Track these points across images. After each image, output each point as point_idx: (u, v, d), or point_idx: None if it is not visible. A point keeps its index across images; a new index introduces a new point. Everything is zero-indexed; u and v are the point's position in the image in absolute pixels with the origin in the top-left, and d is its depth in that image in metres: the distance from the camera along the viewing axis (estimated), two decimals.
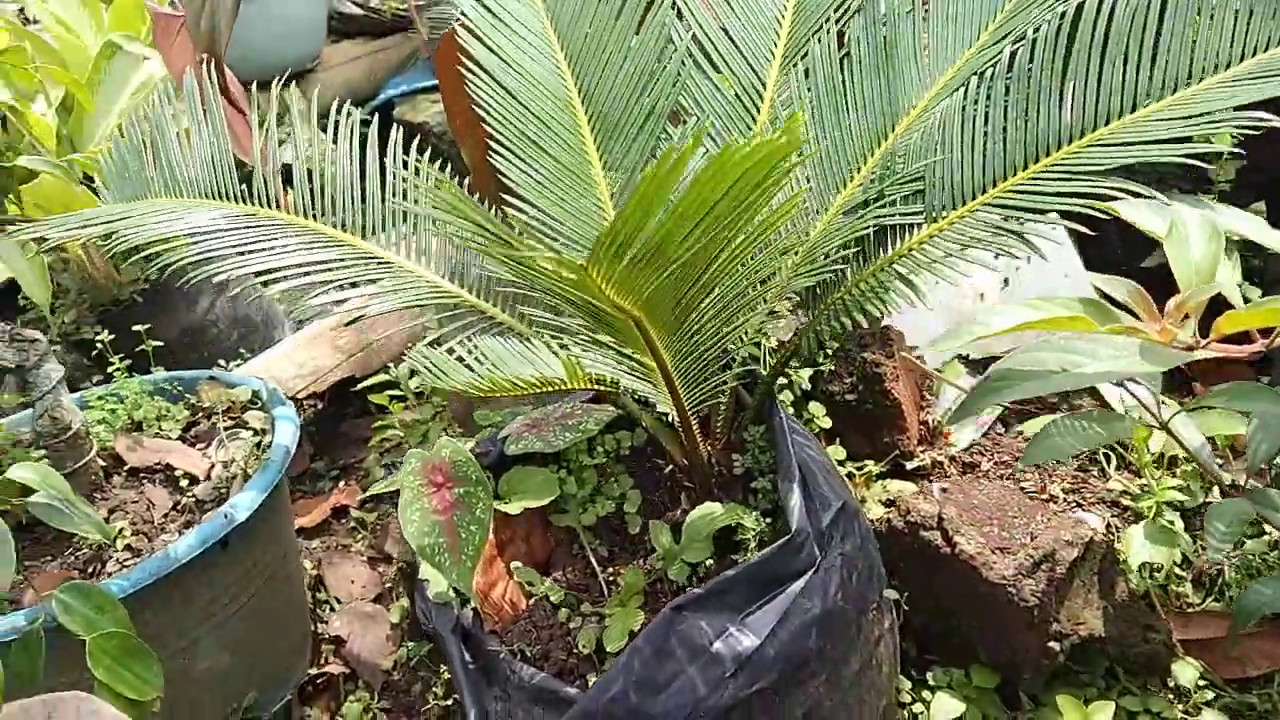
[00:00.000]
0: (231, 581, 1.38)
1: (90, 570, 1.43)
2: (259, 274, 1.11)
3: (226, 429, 1.63)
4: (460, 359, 0.95)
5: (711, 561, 1.01)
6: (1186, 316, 0.58)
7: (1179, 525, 1.24)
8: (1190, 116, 0.77)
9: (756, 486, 1.05)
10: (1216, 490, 1.08)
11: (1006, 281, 1.63)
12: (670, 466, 1.11)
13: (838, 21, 1.02)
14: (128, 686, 1.12)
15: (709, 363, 0.95)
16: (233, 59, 2.31)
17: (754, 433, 1.08)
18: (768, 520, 1.01)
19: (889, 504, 1.39)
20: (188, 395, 1.68)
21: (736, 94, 1.06)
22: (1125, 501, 1.32)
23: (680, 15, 1.07)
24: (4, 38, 1.95)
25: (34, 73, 1.92)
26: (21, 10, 2.91)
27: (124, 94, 2.25)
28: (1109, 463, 1.41)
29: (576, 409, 1.14)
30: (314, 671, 1.65)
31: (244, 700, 1.47)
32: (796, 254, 0.98)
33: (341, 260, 1.09)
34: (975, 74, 0.91)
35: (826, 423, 1.45)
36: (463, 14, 1.07)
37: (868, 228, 0.90)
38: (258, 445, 1.56)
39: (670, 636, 0.90)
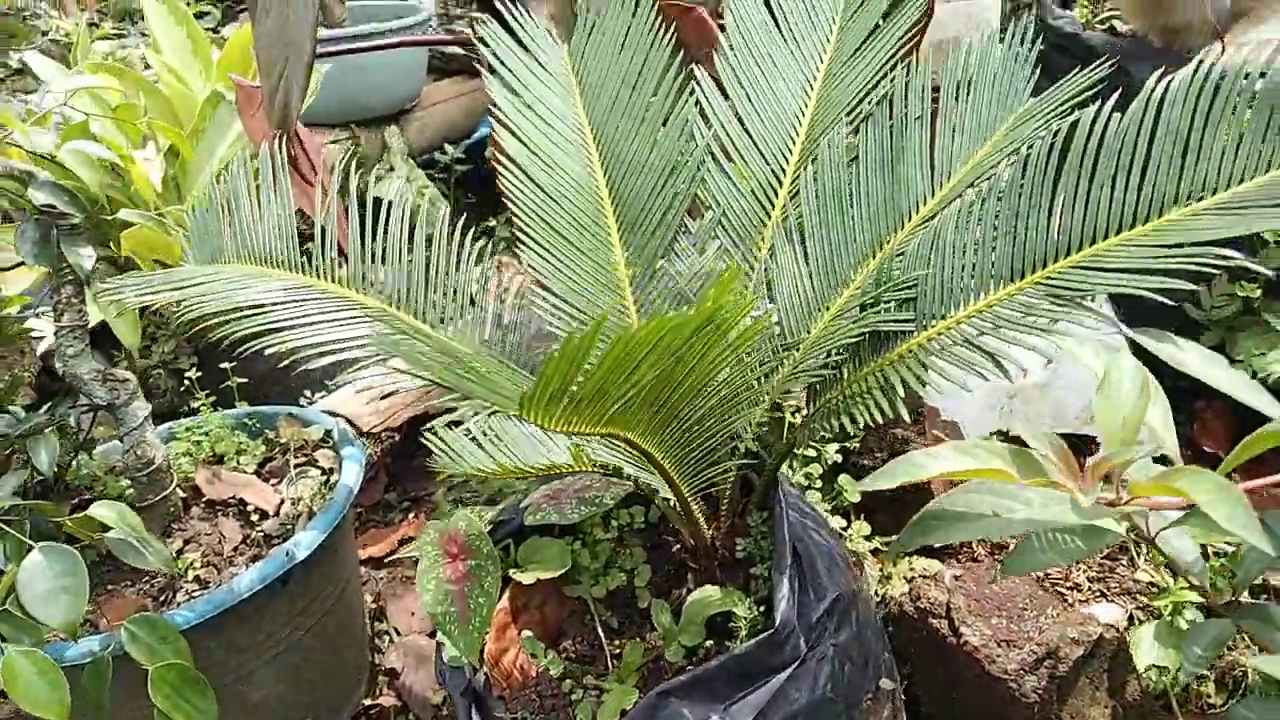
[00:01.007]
0: (291, 615, 1.47)
1: (162, 598, 1.55)
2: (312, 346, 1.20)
3: (297, 466, 1.74)
4: (475, 439, 1.01)
5: (710, 643, 1.05)
6: (1107, 477, 0.59)
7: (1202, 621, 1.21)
8: (1166, 246, 0.79)
9: (756, 573, 1.09)
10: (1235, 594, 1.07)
11: (1049, 361, 1.62)
12: (679, 544, 1.15)
13: (850, 125, 1.05)
14: (184, 716, 1.22)
15: (707, 454, 1.00)
16: (336, 100, 2.46)
17: (757, 518, 1.12)
18: (762, 609, 1.05)
19: (912, 581, 1.40)
20: (266, 430, 1.79)
21: (753, 190, 1.10)
22: (1151, 594, 1.31)
23: (704, 114, 1.12)
24: (116, 95, 2.12)
25: (142, 127, 2.09)
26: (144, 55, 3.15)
27: (224, 143, 2.41)
28: (1139, 550, 1.39)
29: (594, 482, 1.19)
30: (368, 702, 1.75)
31: None
32: (799, 350, 1.01)
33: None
34: (971, 185, 0.93)
35: (855, 496, 1.47)
36: (494, 105, 1.14)
37: (863, 332, 0.93)
38: (325, 483, 1.67)
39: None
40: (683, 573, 1.15)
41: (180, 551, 1.72)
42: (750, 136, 1.12)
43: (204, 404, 1.72)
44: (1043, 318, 0.83)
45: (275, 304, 1.21)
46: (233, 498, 1.79)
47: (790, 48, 1.14)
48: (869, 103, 1.06)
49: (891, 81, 1.03)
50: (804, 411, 1.01)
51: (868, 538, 1.49)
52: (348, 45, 2.68)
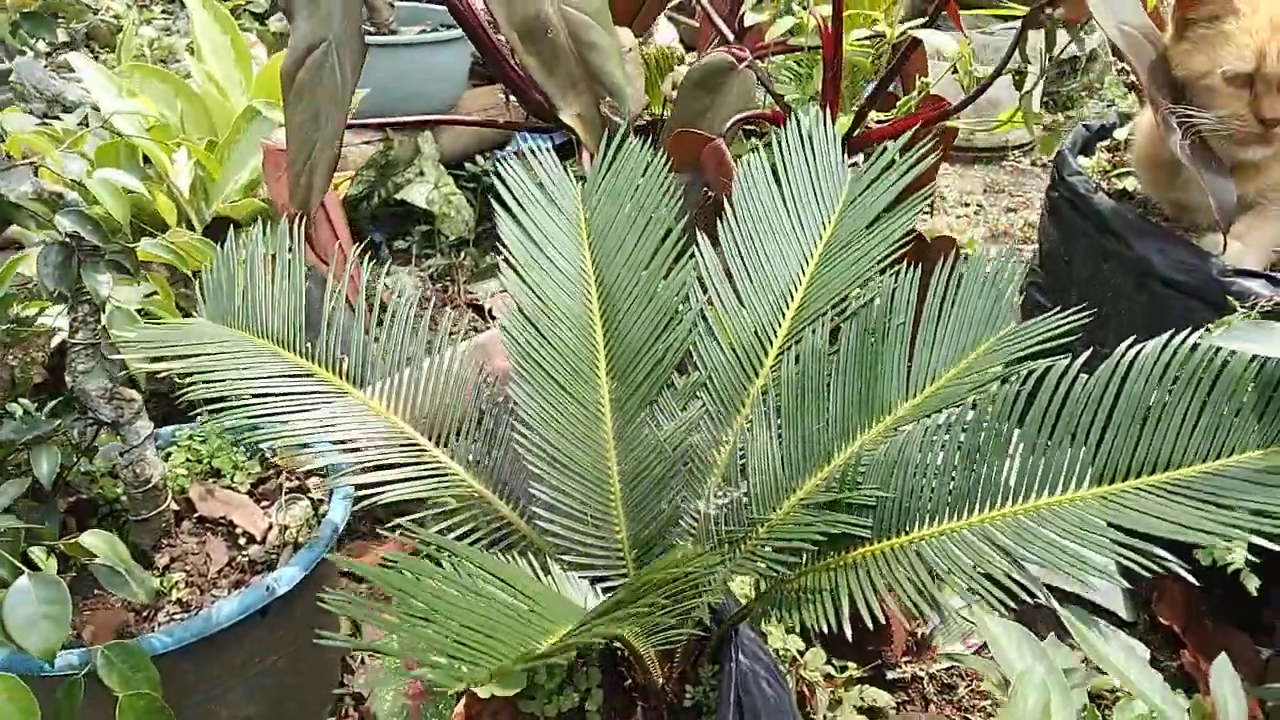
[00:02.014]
0: (267, 645, 1.55)
1: (145, 613, 1.62)
2: (303, 445, 1.25)
3: (289, 492, 1.80)
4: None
5: None
6: None
7: None
8: (1111, 523, 0.83)
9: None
10: None
11: None
12: (632, 679, 1.20)
13: (837, 311, 1.10)
14: None
15: (665, 626, 1.04)
16: (373, 102, 2.51)
17: (709, 670, 1.16)
18: None
19: (861, 711, 1.45)
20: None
21: (739, 358, 1.15)
22: None
23: (701, 280, 1.16)
24: (151, 108, 2.17)
25: (174, 147, 2.15)
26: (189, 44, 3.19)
27: (256, 156, 2.46)
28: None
29: None
30: None
31: None
32: (762, 528, 1.06)
33: (372, 442, 1.22)
34: (940, 407, 0.97)
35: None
36: (503, 244, 1.19)
37: (816, 532, 0.97)
38: (315, 514, 1.72)
39: None
40: (632, 706, 1.20)
41: (167, 568, 1.79)
42: (742, 306, 1.16)
43: (206, 418, 1.77)
44: (992, 563, 0.87)
45: (278, 394, 1.26)
46: (223, 518, 1.85)
47: (791, 222, 1.18)
48: (857, 297, 1.10)
49: (880, 280, 1.07)
50: (760, 588, 1.05)
51: (828, 661, 1.54)
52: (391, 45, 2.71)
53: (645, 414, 1.16)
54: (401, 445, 1.23)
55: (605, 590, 1.15)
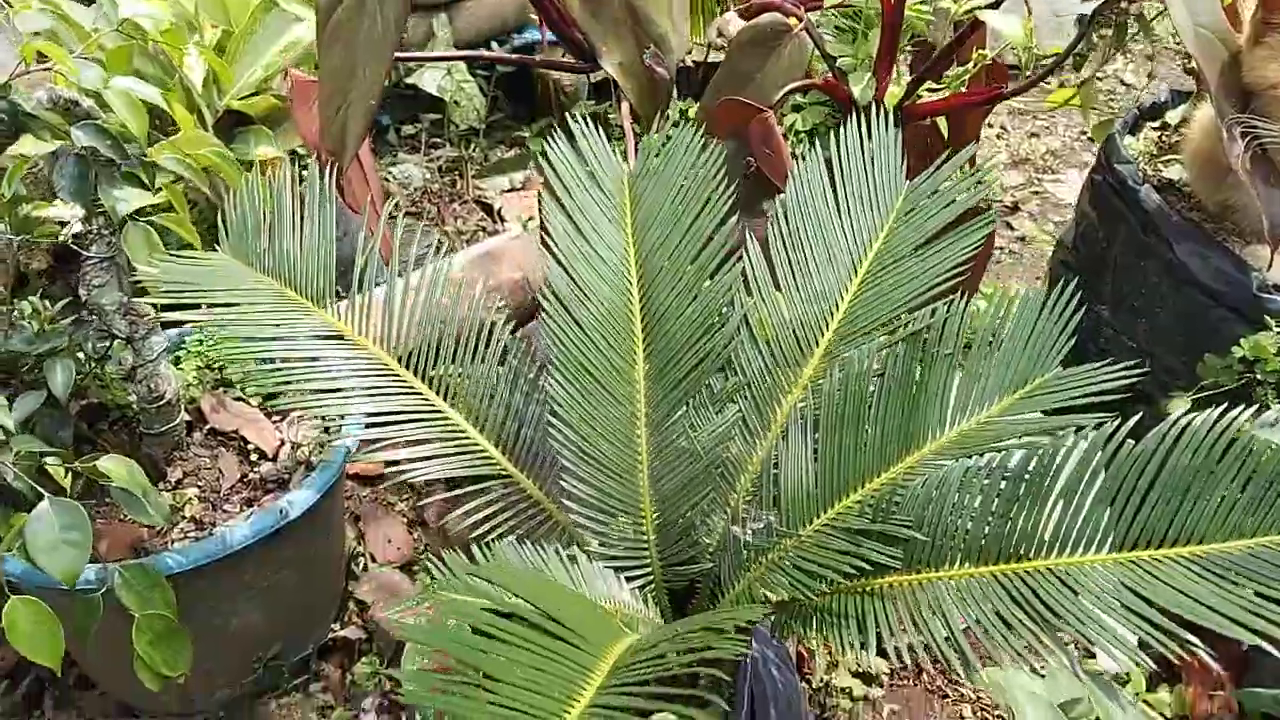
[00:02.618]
0: (277, 561, 1.60)
1: (160, 529, 1.67)
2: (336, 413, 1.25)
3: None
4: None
5: None
6: None
7: None
8: (1138, 594, 0.85)
9: (712, 700, 1.18)
10: None
11: None
12: None
13: (884, 337, 1.09)
14: (162, 662, 1.34)
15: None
16: None
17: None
18: None
19: (856, 675, 1.51)
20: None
21: (778, 365, 1.15)
22: None
23: (747, 284, 1.15)
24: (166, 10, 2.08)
25: (185, 53, 2.07)
26: None
27: (272, 49, 2.38)
28: None
29: None
30: (337, 628, 1.89)
31: (270, 650, 1.72)
32: (790, 541, 1.08)
33: (401, 415, 1.22)
34: (975, 450, 0.98)
35: None
36: (546, 232, 1.16)
37: (846, 557, 0.99)
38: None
39: None
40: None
41: (179, 482, 1.83)
42: (786, 313, 1.15)
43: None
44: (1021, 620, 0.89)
45: (305, 358, 1.25)
46: (235, 432, 1.87)
47: (842, 227, 1.16)
48: (904, 319, 1.09)
49: (933, 311, 1.06)
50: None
51: None
52: None
53: (680, 414, 1.17)
54: (438, 422, 1.23)
55: (630, 581, 1.18)
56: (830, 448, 1.07)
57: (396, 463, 1.22)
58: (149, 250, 1.78)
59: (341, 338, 1.29)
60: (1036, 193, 3.10)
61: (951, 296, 1.05)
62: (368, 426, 1.24)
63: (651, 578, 1.20)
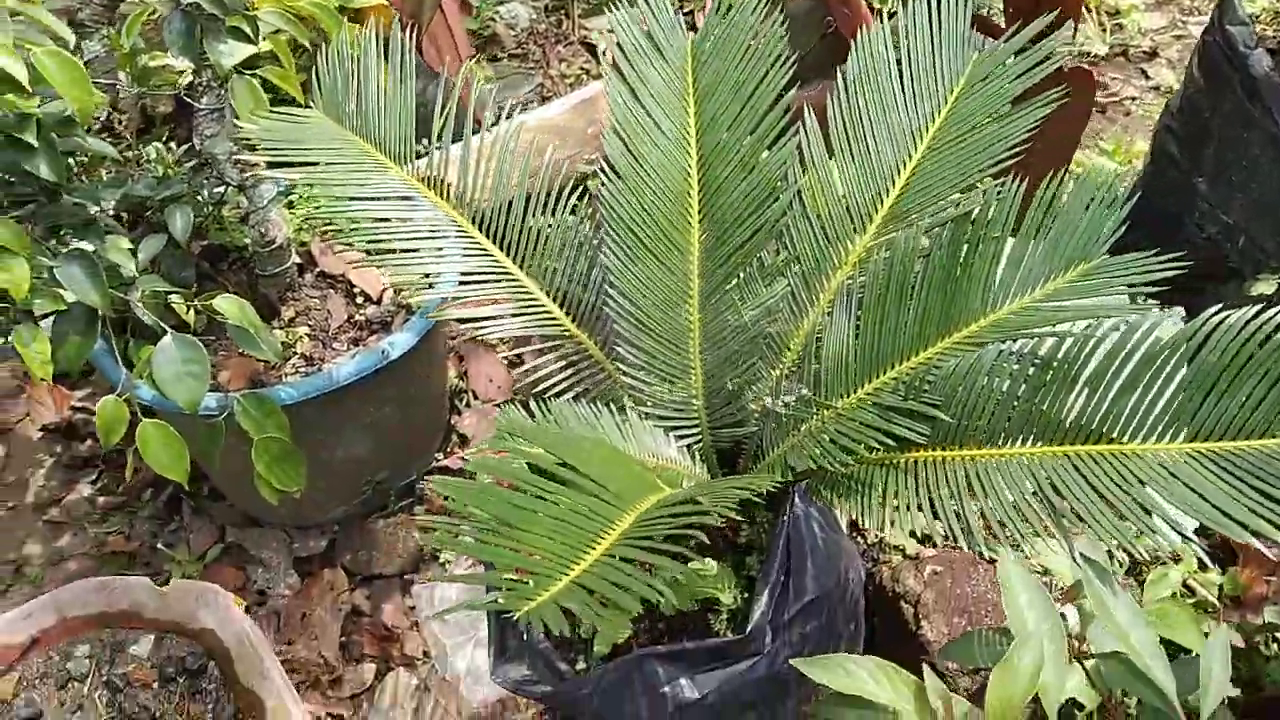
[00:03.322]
0: (380, 396, 1.76)
1: (274, 364, 1.85)
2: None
3: None
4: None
5: (697, 609, 1.26)
6: None
7: None
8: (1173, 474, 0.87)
9: (749, 561, 1.27)
10: None
11: None
12: None
13: (937, 212, 1.09)
14: (278, 480, 1.51)
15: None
16: None
17: (764, 515, 1.28)
18: (745, 595, 1.24)
19: (910, 534, 1.57)
20: None
21: (829, 239, 1.16)
22: None
23: (802, 160, 1.15)
24: None
25: None
26: None
27: None
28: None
29: None
30: (440, 457, 2.06)
31: (376, 476, 1.91)
32: (828, 413, 1.13)
33: (472, 275, 1.29)
34: (1012, 335, 1.00)
35: None
36: (611, 108, 1.18)
37: (879, 432, 1.04)
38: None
39: (633, 674, 1.18)
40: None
41: (292, 321, 1.99)
42: (841, 187, 1.15)
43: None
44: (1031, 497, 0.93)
45: (381, 219, 1.32)
46: (342, 275, 2.01)
47: (905, 100, 1.14)
48: (957, 201, 1.08)
49: (983, 189, 1.05)
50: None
51: None
52: None
53: (732, 286, 1.20)
54: (504, 281, 1.30)
55: (680, 440, 1.26)
56: (871, 325, 1.10)
57: (473, 320, 1.31)
58: (254, 103, 1.87)
59: (418, 198, 1.35)
60: (1179, 37, 2.87)
61: (1004, 179, 1.04)
62: (458, 283, 1.31)
63: (700, 438, 1.27)
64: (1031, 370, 0.96)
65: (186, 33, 1.55)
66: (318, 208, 1.43)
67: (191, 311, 1.55)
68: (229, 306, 1.53)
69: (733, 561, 1.29)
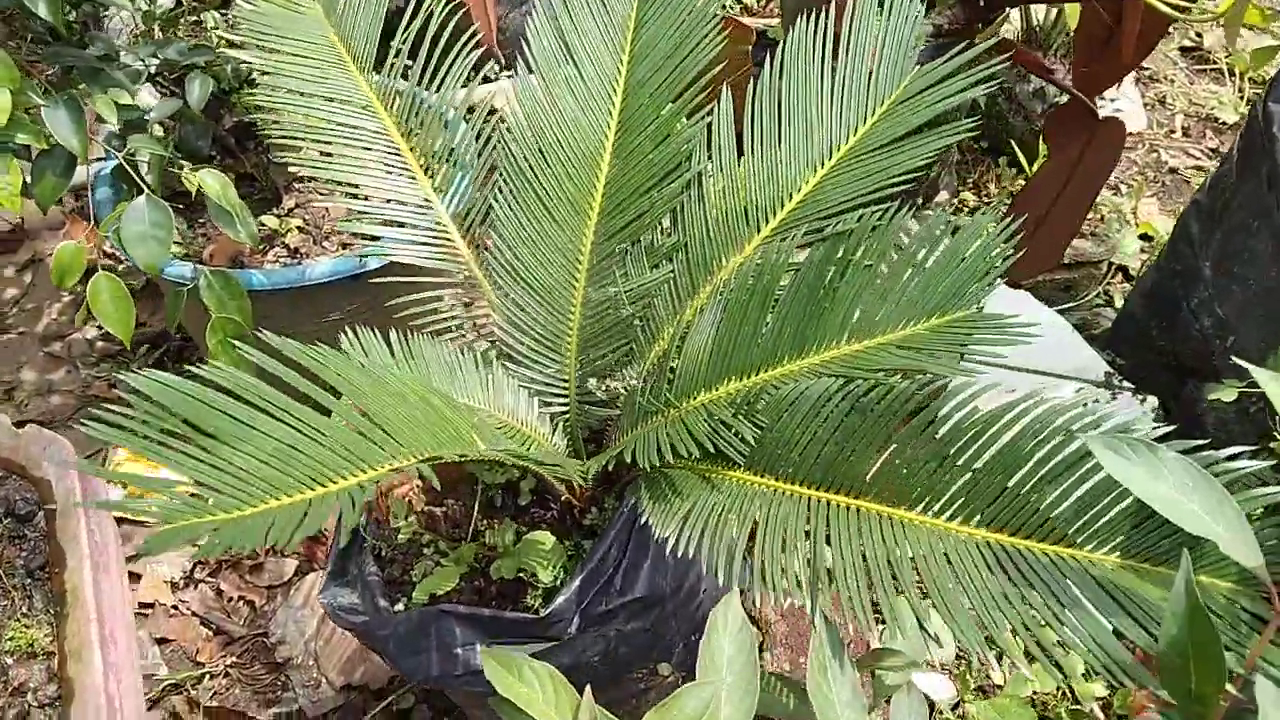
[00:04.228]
0: (351, 303, 1.75)
1: (262, 248, 1.87)
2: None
3: None
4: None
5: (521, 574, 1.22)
6: None
7: None
8: None
9: (587, 545, 1.22)
10: None
11: None
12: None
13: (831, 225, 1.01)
14: (228, 360, 1.53)
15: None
16: None
17: (613, 502, 1.23)
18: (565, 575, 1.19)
19: None
20: None
21: (720, 235, 1.09)
22: None
23: (709, 144, 1.08)
24: None
25: None
26: None
27: None
28: None
29: None
30: None
31: None
32: (670, 413, 1.07)
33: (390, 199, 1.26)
34: (859, 374, 0.91)
35: None
36: (525, 38, 1.13)
37: (696, 438, 0.98)
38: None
39: (431, 627, 1.15)
40: (552, 503, 1.30)
41: (290, 211, 2.00)
42: (743, 185, 1.08)
43: None
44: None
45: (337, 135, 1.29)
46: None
47: (832, 101, 1.05)
48: (862, 212, 1.00)
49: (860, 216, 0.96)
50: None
51: None
52: None
53: (622, 257, 1.14)
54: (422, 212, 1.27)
55: (546, 406, 1.21)
56: (730, 331, 1.03)
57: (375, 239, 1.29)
58: None
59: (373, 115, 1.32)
60: None
61: (891, 204, 0.95)
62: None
63: (567, 411, 1.22)
64: (846, 415, 0.87)
65: None
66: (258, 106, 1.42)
67: (214, 179, 1.56)
68: (211, 183, 1.54)
69: (574, 543, 1.24)
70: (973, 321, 0.90)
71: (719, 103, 1.08)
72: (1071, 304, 2.10)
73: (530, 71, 1.14)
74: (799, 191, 1.06)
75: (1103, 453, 0.68)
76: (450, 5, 1.43)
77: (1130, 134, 2.60)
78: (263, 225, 1.90)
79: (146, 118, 1.63)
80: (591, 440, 1.26)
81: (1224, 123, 2.60)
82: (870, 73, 1.04)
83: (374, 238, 1.28)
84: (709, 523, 0.91)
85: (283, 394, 0.83)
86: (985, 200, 2.27)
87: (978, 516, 0.79)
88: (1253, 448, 0.72)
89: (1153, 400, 1.46)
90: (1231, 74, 2.66)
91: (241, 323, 1.54)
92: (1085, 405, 0.76)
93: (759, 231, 1.08)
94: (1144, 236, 2.23)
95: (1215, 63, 2.76)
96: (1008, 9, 1.40)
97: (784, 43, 1.07)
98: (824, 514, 0.87)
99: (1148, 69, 2.78)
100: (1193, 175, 2.48)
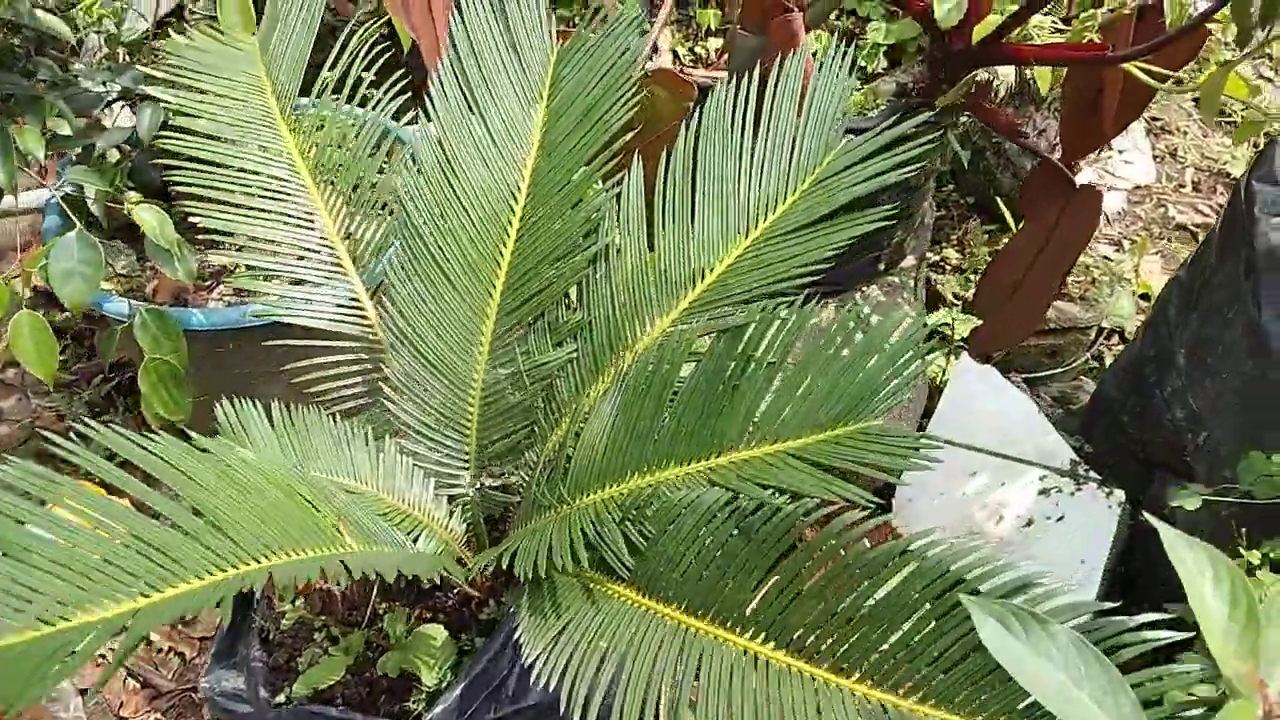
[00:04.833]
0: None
1: (209, 285, 1.78)
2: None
3: None
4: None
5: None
6: None
7: None
8: None
9: (478, 643, 1.12)
10: None
11: (1030, 522, 1.42)
12: None
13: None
14: (161, 404, 1.44)
15: None
16: None
17: (509, 596, 1.13)
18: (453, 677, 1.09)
19: None
20: None
21: (628, 314, 1.00)
22: None
23: (619, 215, 0.99)
24: None
25: None
26: None
27: None
28: None
29: None
30: None
31: None
32: (559, 509, 0.97)
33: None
34: (755, 484, 0.82)
35: None
36: (428, 92, 1.04)
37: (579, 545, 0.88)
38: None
39: None
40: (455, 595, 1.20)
41: (242, 248, 1.93)
42: (649, 258, 0.98)
43: None
44: None
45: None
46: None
47: (751, 175, 0.96)
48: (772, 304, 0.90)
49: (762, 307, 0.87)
50: None
51: None
52: None
53: (522, 333, 1.05)
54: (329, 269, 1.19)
55: (442, 489, 1.11)
56: (626, 424, 0.93)
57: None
58: (241, 15, 1.79)
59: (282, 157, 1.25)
60: None
61: (795, 297, 0.85)
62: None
63: (468, 495, 1.13)
64: (731, 536, 0.78)
65: None
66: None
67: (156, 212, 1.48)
68: (148, 218, 1.46)
69: (470, 638, 1.14)
70: (873, 437, 0.80)
71: (629, 172, 0.98)
72: (1055, 370, 1.99)
73: (433, 125, 1.05)
74: (711, 271, 0.97)
75: (983, 621, 0.58)
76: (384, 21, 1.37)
77: (1138, 187, 2.49)
78: (208, 263, 1.81)
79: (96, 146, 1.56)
80: (496, 524, 1.16)
81: (1237, 179, 2.50)
82: (793, 145, 0.94)
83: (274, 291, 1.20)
84: (579, 647, 0.81)
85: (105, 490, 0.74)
86: (969, 258, 2.16)
87: (858, 671, 0.69)
88: (1173, 613, 0.62)
89: (1119, 494, 1.35)
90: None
91: (176, 365, 1.46)
92: (984, 552, 0.66)
93: (667, 313, 0.98)
94: (1144, 296, 2.13)
95: (1231, 115, 2.65)
96: (974, 70, 1.30)
97: (703, 108, 0.98)
98: (698, 647, 0.76)
99: (1160, 119, 2.67)
100: (1201, 232, 2.38)
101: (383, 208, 1.11)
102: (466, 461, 1.11)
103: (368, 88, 1.22)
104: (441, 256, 1.05)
